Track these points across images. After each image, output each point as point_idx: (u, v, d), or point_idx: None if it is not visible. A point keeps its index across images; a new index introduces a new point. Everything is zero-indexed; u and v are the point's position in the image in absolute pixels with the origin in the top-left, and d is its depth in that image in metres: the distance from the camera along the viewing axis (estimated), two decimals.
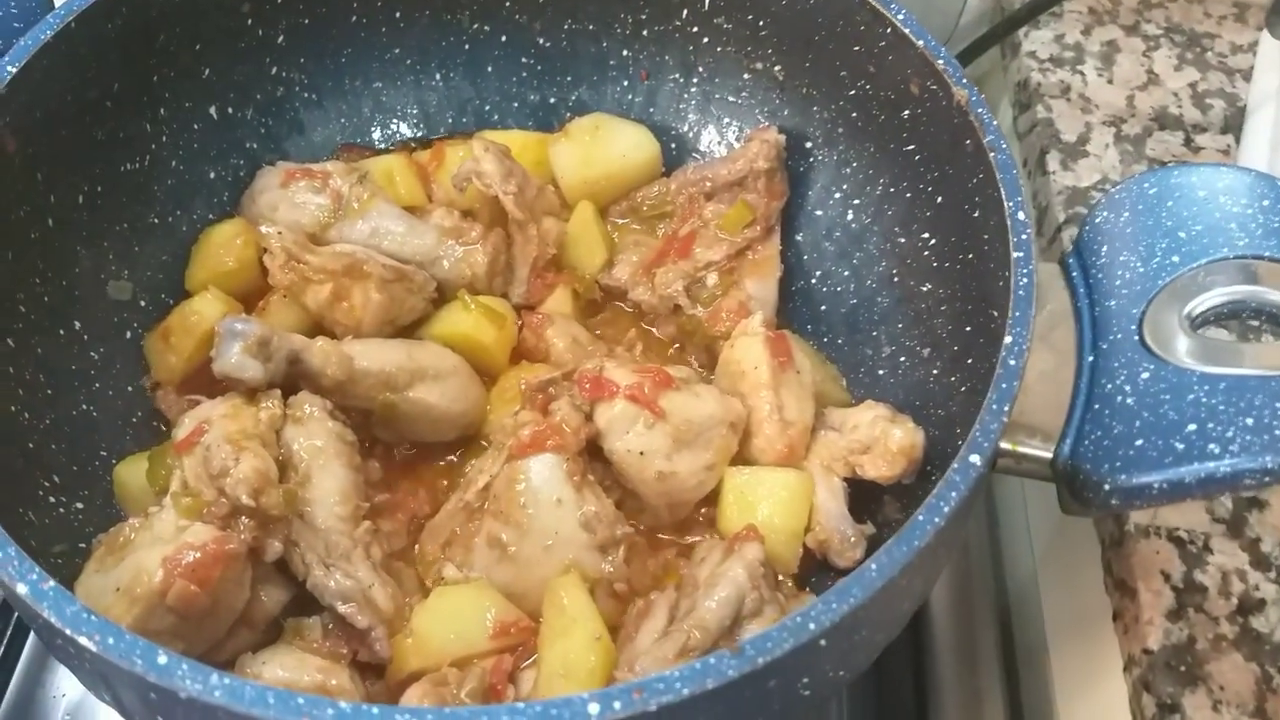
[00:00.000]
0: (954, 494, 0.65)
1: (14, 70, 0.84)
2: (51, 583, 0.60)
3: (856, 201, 1.04)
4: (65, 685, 1.03)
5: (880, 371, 0.99)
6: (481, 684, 0.77)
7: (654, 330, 1.06)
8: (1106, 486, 0.68)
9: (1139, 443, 0.68)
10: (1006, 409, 0.68)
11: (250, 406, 0.84)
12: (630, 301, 1.06)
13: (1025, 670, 1.05)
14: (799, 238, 1.08)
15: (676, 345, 1.06)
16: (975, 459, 0.67)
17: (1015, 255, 0.76)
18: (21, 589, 0.60)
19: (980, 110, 0.84)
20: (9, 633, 1.00)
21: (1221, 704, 0.78)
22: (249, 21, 1.04)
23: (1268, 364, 0.68)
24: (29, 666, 1.02)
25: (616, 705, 0.56)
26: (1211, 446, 0.65)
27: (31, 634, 1.02)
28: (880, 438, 0.88)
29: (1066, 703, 0.96)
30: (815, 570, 0.89)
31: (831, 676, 0.68)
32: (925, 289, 0.96)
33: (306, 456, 0.83)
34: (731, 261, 1.04)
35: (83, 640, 0.57)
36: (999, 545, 1.15)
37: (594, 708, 0.56)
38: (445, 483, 0.95)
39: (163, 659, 0.57)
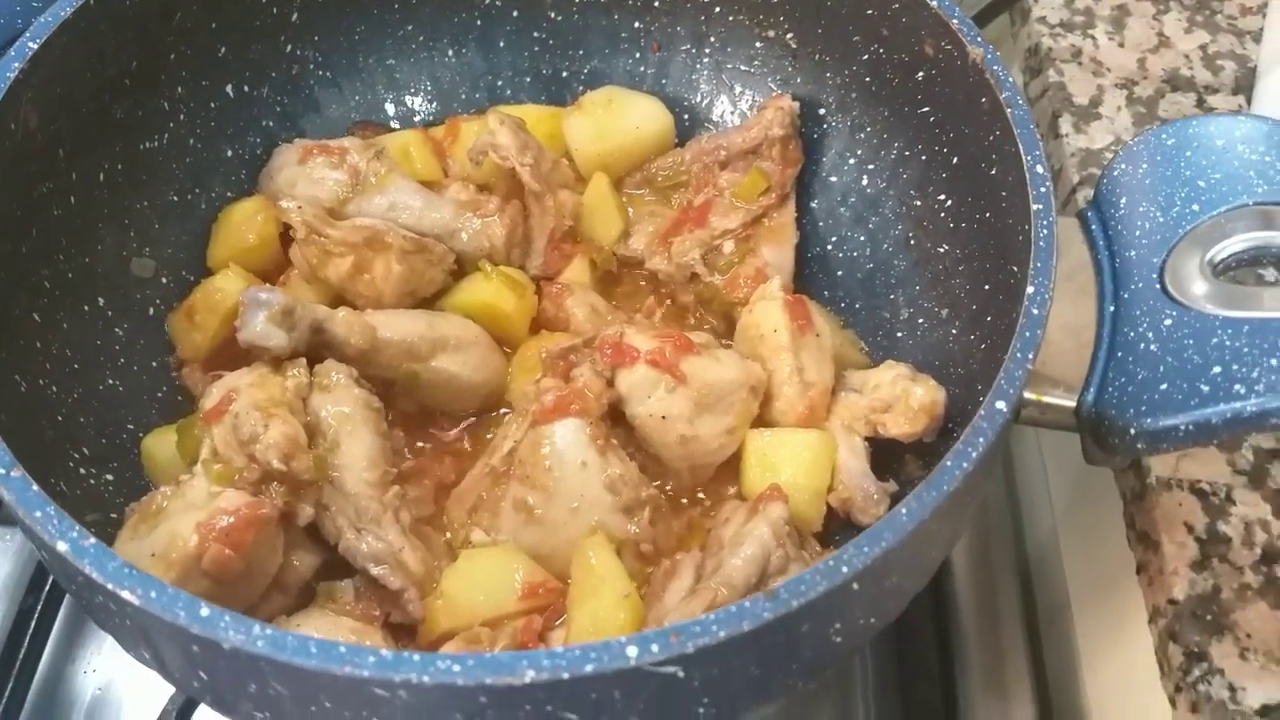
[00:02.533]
0: (981, 439, 0.66)
1: (35, 46, 0.84)
2: (92, 539, 0.60)
3: (871, 166, 1.04)
4: (95, 661, 1.04)
5: (898, 333, 1.00)
6: (513, 642, 0.78)
7: (671, 299, 1.07)
8: (1132, 431, 0.68)
9: (1164, 387, 0.68)
10: (1031, 356, 0.69)
11: (277, 375, 0.84)
12: (647, 271, 1.07)
13: (1047, 627, 1.05)
14: (814, 204, 1.08)
15: (694, 316, 1.06)
16: (1001, 405, 0.67)
17: (1035, 208, 0.76)
18: (62, 546, 0.60)
19: (996, 68, 0.85)
20: (39, 608, 1.01)
21: (1249, 651, 0.79)
22: None
23: None
24: (59, 643, 1.03)
25: (654, 648, 0.57)
26: (1237, 387, 0.65)
27: (61, 611, 1.03)
28: (902, 396, 0.88)
29: (1090, 657, 0.97)
30: (839, 529, 0.90)
31: (862, 623, 0.69)
32: (942, 250, 0.96)
33: (334, 423, 0.83)
34: (747, 229, 1.05)
35: (125, 594, 0.58)
36: (1018, 504, 1.15)
37: (632, 650, 0.56)
38: (469, 449, 0.95)
39: (205, 611, 0.57)
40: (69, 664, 1.03)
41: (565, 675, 0.56)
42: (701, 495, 0.94)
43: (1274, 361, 0.65)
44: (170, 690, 0.91)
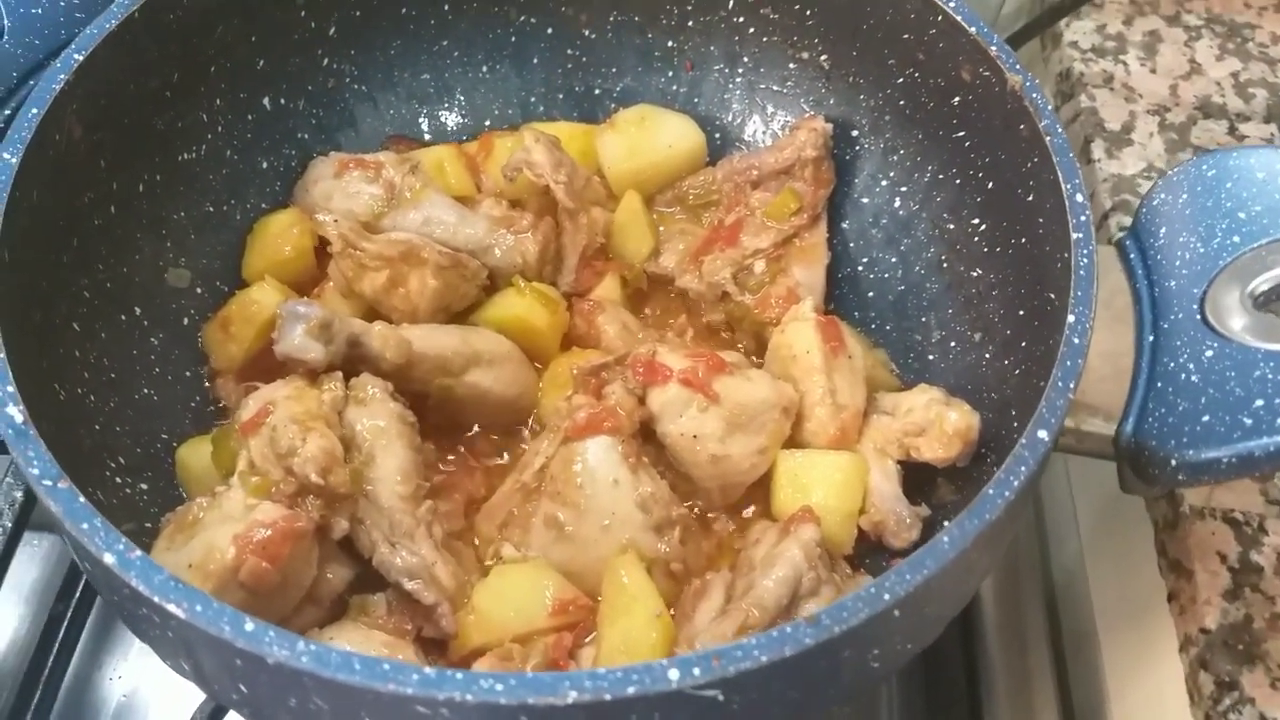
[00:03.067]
0: (1023, 468, 0.66)
1: (80, 58, 0.85)
2: (138, 552, 0.61)
3: (904, 188, 1.04)
4: (121, 668, 1.04)
5: (930, 356, 1.00)
6: (545, 659, 0.78)
7: (702, 317, 1.07)
8: (1173, 462, 0.68)
9: (1205, 419, 0.68)
10: (1073, 385, 0.69)
11: (313, 388, 0.85)
12: (677, 289, 1.07)
13: (1073, 653, 1.05)
14: (845, 225, 1.08)
15: (725, 332, 1.06)
16: (1043, 434, 0.67)
17: (1075, 236, 0.77)
18: (109, 559, 0.61)
19: (1035, 95, 0.85)
20: (69, 615, 1.01)
21: None
22: (302, 13, 1.05)
23: None
24: (86, 649, 1.04)
25: (696, 671, 0.57)
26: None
27: (90, 617, 1.04)
28: (935, 420, 0.88)
29: (1118, 684, 0.96)
30: (870, 552, 0.90)
31: (900, 649, 0.69)
32: (975, 274, 0.96)
33: (369, 437, 0.84)
34: (779, 249, 1.05)
35: (170, 607, 0.58)
36: (1045, 530, 1.15)
37: (674, 673, 0.57)
38: (500, 464, 0.96)
39: (250, 625, 0.58)
40: (96, 670, 1.03)
41: (607, 696, 0.56)
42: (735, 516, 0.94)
43: None
44: (195, 698, 0.91)
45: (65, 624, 1.01)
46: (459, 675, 0.56)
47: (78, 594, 1.03)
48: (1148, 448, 0.70)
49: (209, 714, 0.91)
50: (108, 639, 1.06)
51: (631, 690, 0.56)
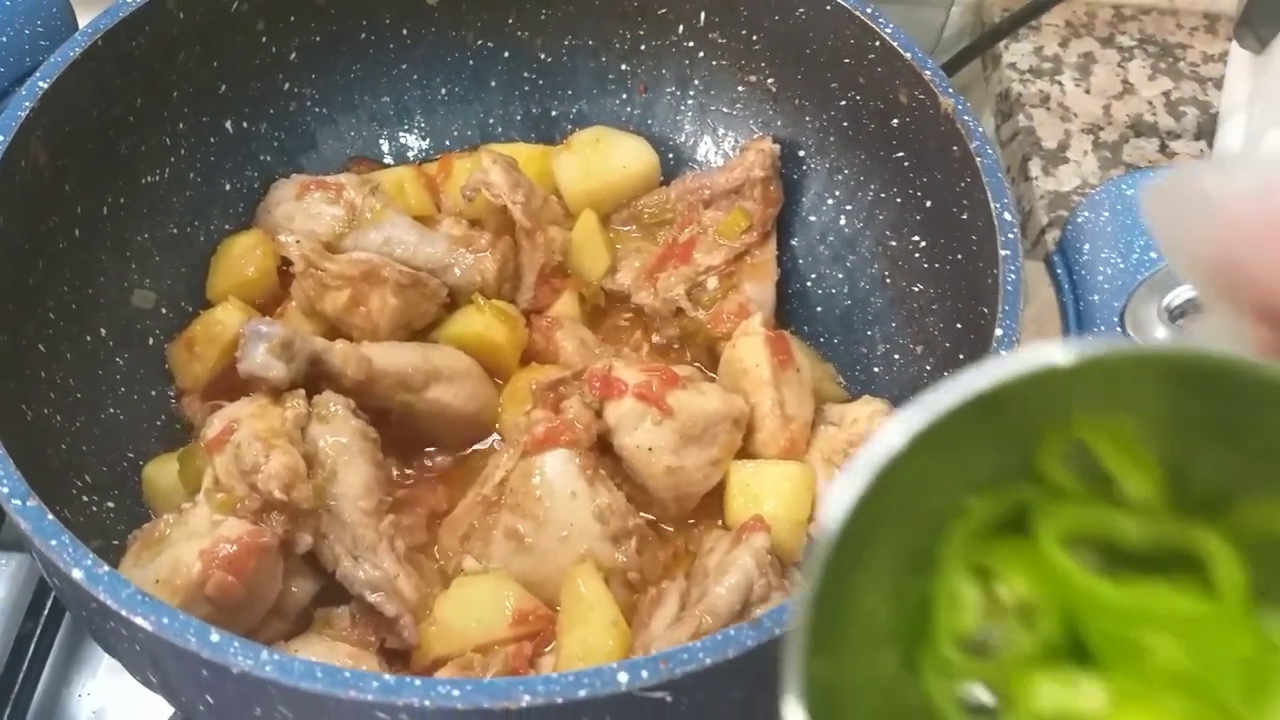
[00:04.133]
0: None
1: (45, 86, 0.87)
2: (106, 567, 0.63)
3: (849, 207, 1.08)
4: (90, 685, 1.06)
5: (875, 369, 1.04)
6: (505, 668, 0.80)
7: (656, 333, 1.10)
8: None
9: None
10: None
11: (276, 406, 0.87)
12: (634, 305, 1.10)
13: None
14: (794, 242, 1.12)
15: (677, 347, 1.10)
16: None
17: (1003, 254, 0.81)
18: (77, 574, 0.63)
19: (966, 118, 0.89)
20: (38, 633, 1.02)
21: None
22: (263, 39, 1.07)
23: None
24: (55, 668, 1.05)
25: (644, 674, 0.60)
26: None
27: (59, 636, 1.05)
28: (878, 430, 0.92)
29: None
30: None
31: None
32: (917, 289, 1.00)
33: (332, 453, 0.86)
34: (730, 266, 1.09)
35: (138, 620, 0.61)
36: None
37: (623, 676, 0.60)
38: (460, 478, 0.98)
39: (215, 637, 0.60)
40: (65, 688, 1.04)
41: (559, 700, 0.59)
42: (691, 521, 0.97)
43: None
44: (165, 714, 0.93)
45: (34, 642, 1.02)
46: (417, 682, 0.59)
47: (45, 612, 1.04)
48: None
49: None
50: (76, 657, 1.06)
51: (583, 693, 0.59)
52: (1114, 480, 0.36)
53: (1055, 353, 0.34)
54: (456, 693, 0.58)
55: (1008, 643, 0.35)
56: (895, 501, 0.34)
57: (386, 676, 0.59)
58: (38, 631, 1.02)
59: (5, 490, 0.67)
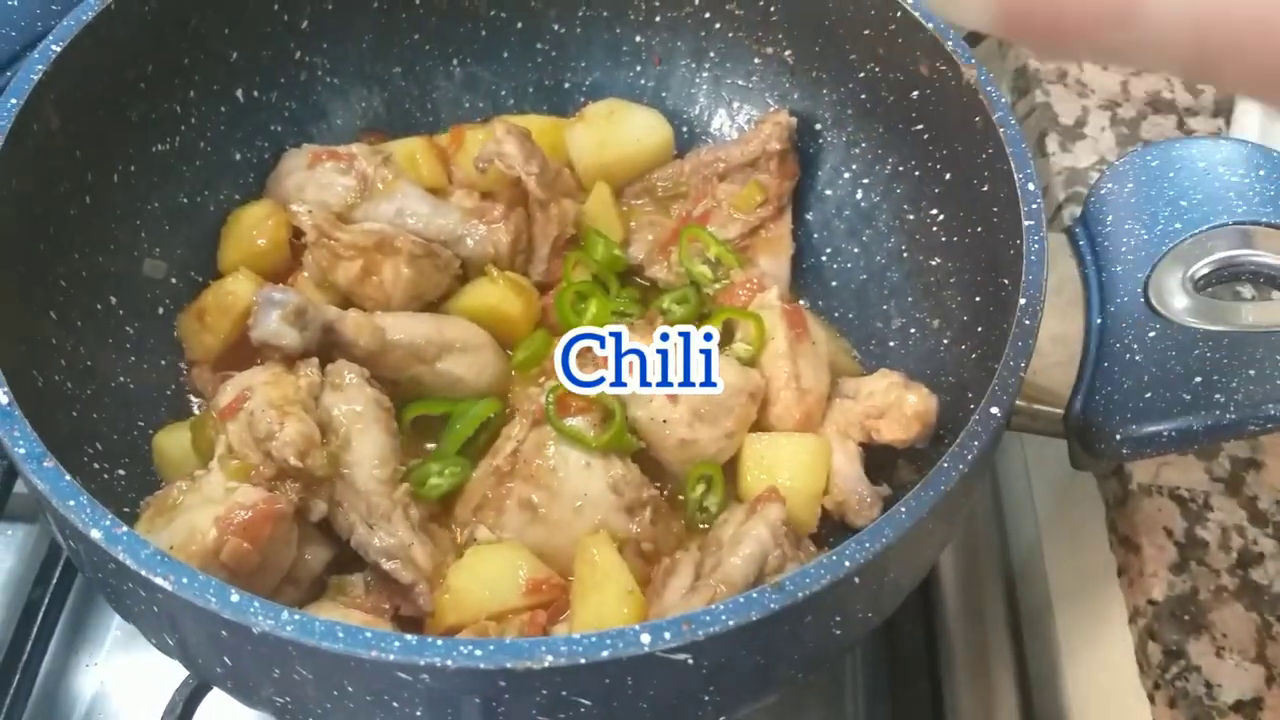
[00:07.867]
0: (976, 443, 0.69)
1: (58, 49, 0.86)
2: (125, 528, 0.62)
3: (865, 180, 1.08)
4: (98, 656, 1.05)
5: (891, 343, 1.03)
6: (519, 636, 0.80)
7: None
8: (1118, 436, 0.72)
9: (1148, 395, 0.72)
10: (1024, 365, 0.72)
11: (290, 374, 0.87)
12: (647, 279, 1.10)
13: (1030, 627, 1.09)
14: (809, 216, 1.11)
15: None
16: (995, 410, 0.70)
17: (1027, 224, 0.80)
18: (96, 534, 0.62)
19: (990, 89, 0.88)
20: (45, 604, 1.02)
21: (1224, 650, 0.82)
22: (275, 7, 1.06)
23: (1266, 321, 0.72)
24: (62, 638, 1.05)
25: (667, 635, 0.59)
26: (1217, 396, 0.69)
27: (67, 606, 1.04)
28: (895, 403, 0.91)
29: (1071, 655, 1.00)
30: (833, 531, 0.93)
31: (861, 617, 0.72)
32: (934, 263, 1.00)
33: (346, 421, 0.85)
34: (745, 240, 1.08)
35: (158, 580, 0.60)
36: (1003, 511, 1.19)
37: (646, 637, 0.59)
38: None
39: (235, 597, 0.60)
40: (72, 657, 1.04)
41: (582, 660, 0.58)
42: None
43: (1251, 373, 0.69)
44: (173, 685, 0.93)
45: (43, 610, 1.01)
46: (439, 642, 0.58)
47: (53, 582, 1.03)
48: (1095, 423, 0.74)
49: (186, 698, 0.93)
50: (83, 628, 1.07)
51: (605, 654, 0.59)
52: None
53: None
54: (479, 652, 0.58)
55: None
56: None
57: (409, 636, 0.58)
58: (45, 603, 1.02)
59: (22, 451, 0.66)
